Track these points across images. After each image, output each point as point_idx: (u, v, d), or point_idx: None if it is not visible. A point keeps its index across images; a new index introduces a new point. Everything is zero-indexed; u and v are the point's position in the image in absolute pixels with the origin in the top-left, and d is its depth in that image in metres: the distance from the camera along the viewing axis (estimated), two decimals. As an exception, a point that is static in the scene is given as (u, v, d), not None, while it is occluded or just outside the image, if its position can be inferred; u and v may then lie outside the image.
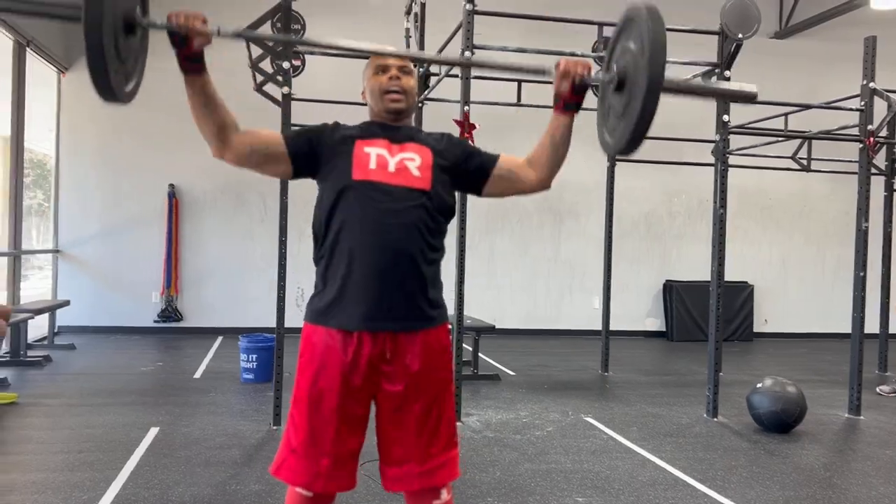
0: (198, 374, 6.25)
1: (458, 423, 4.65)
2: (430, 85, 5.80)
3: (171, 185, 8.64)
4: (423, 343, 2.02)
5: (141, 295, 8.67)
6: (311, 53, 4.94)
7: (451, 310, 2.63)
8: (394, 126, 2.09)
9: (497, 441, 4.37)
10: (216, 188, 8.77)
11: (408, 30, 6.18)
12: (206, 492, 3.37)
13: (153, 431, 4.33)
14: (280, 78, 4.53)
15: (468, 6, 4.72)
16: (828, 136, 6.44)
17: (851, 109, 5.71)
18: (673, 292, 9.55)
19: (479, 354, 6.55)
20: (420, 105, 5.89)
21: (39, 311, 6.69)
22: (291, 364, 2.20)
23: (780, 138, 6.81)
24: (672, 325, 9.57)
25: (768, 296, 10.05)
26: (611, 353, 6.94)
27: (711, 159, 5.34)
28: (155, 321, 8.70)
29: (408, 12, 6.27)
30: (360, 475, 2.10)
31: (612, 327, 7.03)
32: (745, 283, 9.85)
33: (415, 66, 2.27)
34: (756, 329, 9.88)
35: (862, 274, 5.25)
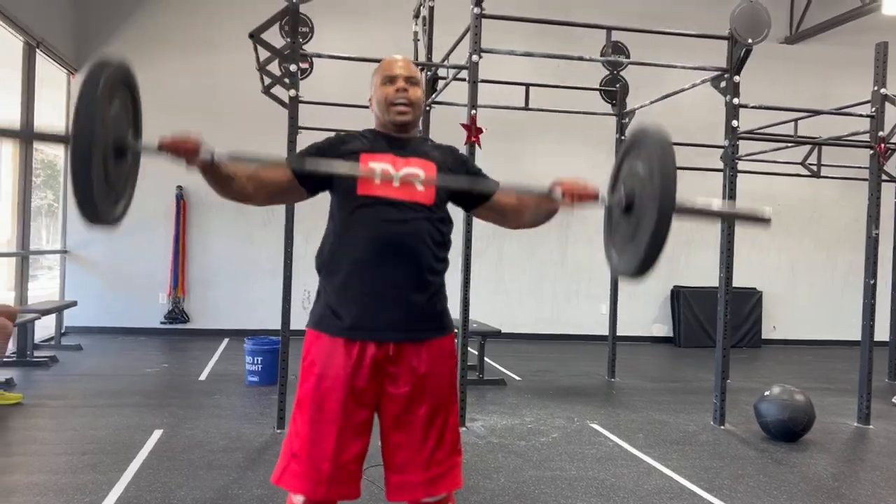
0: (203, 377, 6.25)
1: (463, 429, 4.63)
2: (438, 89, 5.79)
3: (179, 187, 8.65)
4: (428, 351, 2.04)
5: (148, 296, 8.70)
6: (319, 56, 4.93)
7: (455, 314, 2.62)
8: (400, 138, 2.10)
9: (502, 447, 4.34)
10: (223, 190, 8.77)
11: (416, 33, 6.18)
12: (208, 495, 3.36)
13: (157, 434, 4.33)
14: (288, 81, 4.53)
15: (476, 10, 4.72)
16: (838, 142, 6.40)
17: (862, 115, 5.67)
18: (681, 298, 9.50)
19: (486, 359, 6.53)
20: (427, 109, 5.87)
21: (46, 312, 6.70)
22: (297, 367, 2.20)
23: (789, 144, 6.76)
24: (679, 331, 9.51)
25: (777, 302, 9.98)
26: (617, 359, 6.89)
27: (720, 164, 5.30)
28: (162, 322, 8.72)
29: (416, 16, 6.28)
30: (364, 483, 2.08)
31: (620, 333, 6.99)
32: (754, 289, 9.79)
33: (422, 70, 2.27)
34: (764, 336, 9.80)
35: (872, 282, 5.20)
